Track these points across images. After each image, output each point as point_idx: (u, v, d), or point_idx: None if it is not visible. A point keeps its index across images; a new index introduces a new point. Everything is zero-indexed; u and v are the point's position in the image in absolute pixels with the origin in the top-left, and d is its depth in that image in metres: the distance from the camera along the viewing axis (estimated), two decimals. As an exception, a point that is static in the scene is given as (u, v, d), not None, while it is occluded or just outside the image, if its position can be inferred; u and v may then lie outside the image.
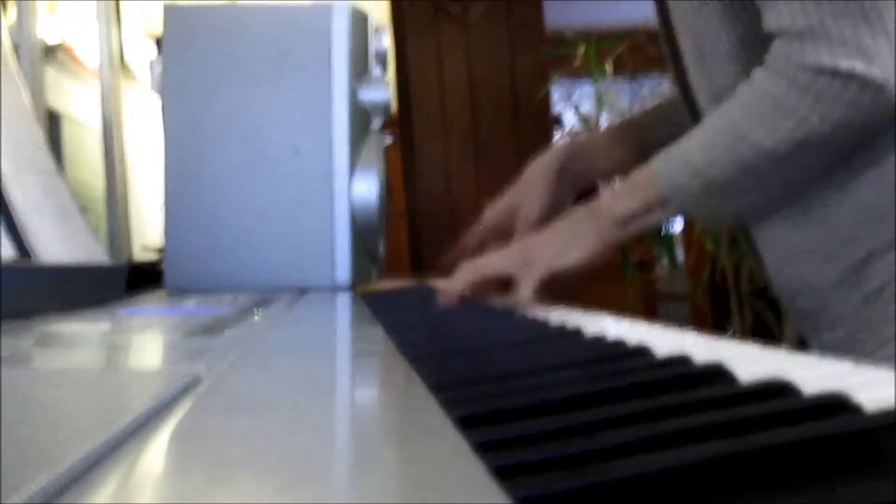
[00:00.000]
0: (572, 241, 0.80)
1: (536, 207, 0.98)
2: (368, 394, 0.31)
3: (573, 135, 1.04)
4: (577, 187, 1.12)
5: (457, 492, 0.16)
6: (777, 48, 0.70)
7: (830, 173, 0.74)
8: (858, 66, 0.66)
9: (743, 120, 0.73)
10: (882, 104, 0.67)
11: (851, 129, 0.69)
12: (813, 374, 0.34)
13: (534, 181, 0.99)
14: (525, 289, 0.78)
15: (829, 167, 0.73)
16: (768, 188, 0.75)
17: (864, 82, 0.66)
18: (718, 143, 0.74)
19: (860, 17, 0.66)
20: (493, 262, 0.83)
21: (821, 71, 0.67)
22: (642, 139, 1.00)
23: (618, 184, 0.84)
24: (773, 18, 0.70)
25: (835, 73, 0.67)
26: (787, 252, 0.79)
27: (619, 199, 0.80)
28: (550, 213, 0.96)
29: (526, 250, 0.82)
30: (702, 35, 0.79)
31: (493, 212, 1.00)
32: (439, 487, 0.16)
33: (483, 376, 0.37)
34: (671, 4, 0.83)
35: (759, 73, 0.72)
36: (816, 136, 0.69)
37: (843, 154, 0.72)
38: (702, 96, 0.83)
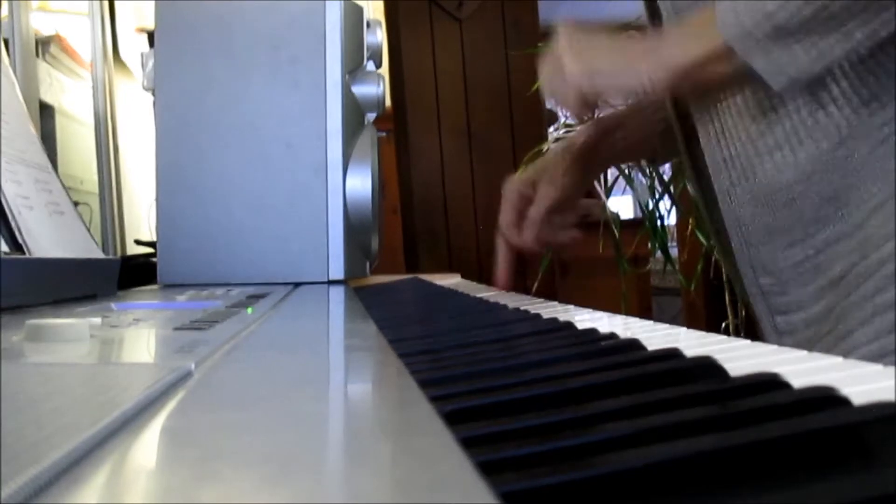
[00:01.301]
0: (621, 71, 0.74)
1: (561, 175, 0.94)
2: (357, 388, 0.31)
3: (599, 114, 0.99)
4: (603, 169, 1.10)
5: (441, 487, 0.16)
6: None
7: (798, 154, 0.70)
8: None
9: None
10: None
11: None
12: (803, 368, 0.34)
13: (559, 155, 0.96)
14: (570, 103, 0.74)
15: None
16: (850, 35, 0.64)
17: None
18: None
19: None
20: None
21: None
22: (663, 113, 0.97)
23: (669, 28, 0.76)
24: None
25: None
26: (755, 230, 0.75)
27: (676, 43, 0.72)
28: (571, 196, 0.93)
29: (564, 63, 0.75)
30: None
31: (509, 195, 0.95)
32: (424, 482, 0.16)
33: (473, 371, 0.37)
34: None
35: None
36: None
37: None
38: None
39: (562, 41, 0.77)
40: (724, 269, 0.98)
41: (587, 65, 0.74)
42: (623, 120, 0.98)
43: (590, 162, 0.96)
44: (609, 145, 0.97)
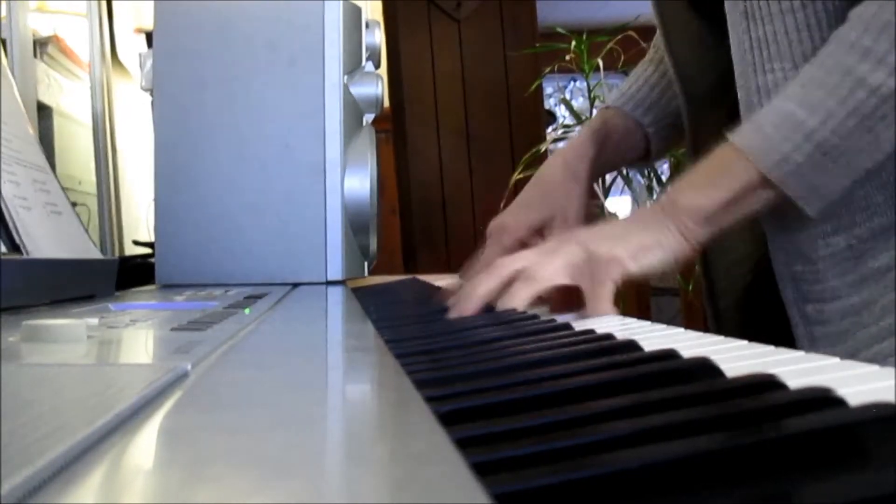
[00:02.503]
0: (652, 241, 0.65)
1: (575, 213, 0.87)
2: (353, 389, 0.31)
3: (594, 124, 0.91)
4: (599, 177, 1.04)
5: (435, 488, 0.16)
6: None
7: None
8: None
9: (857, 60, 0.60)
10: None
11: None
12: (799, 368, 0.34)
13: (567, 186, 0.90)
14: (604, 298, 0.62)
15: None
16: (883, 144, 0.62)
17: None
18: (827, 94, 0.61)
19: None
20: (547, 268, 0.64)
21: None
22: (655, 115, 0.95)
23: (691, 171, 0.69)
24: None
25: None
26: (794, 216, 0.69)
27: (699, 189, 0.66)
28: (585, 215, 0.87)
29: (591, 249, 0.65)
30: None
31: (513, 231, 0.87)
32: (418, 483, 0.16)
33: (470, 372, 0.37)
34: None
35: (868, 6, 0.61)
36: None
37: None
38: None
39: (580, 236, 0.67)
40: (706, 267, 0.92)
41: (624, 247, 0.65)
42: (611, 129, 0.95)
43: (591, 184, 0.93)
44: (605, 159, 0.95)
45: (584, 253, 0.64)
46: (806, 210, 0.64)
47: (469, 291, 0.65)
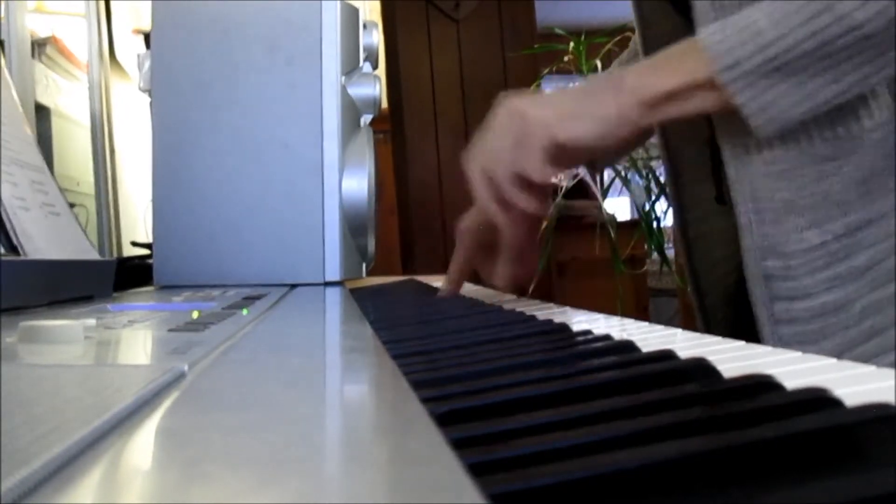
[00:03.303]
0: (587, 111, 0.65)
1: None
2: (350, 390, 0.31)
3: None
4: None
5: (430, 488, 0.16)
6: None
7: (838, 128, 0.65)
8: None
9: None
10: None
11: None
12: (796, 369, 0.34)
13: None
14: (533, 161, 0.64)
15: None
16: (842, 78, 0.61)
17: None
18: (794, 11, 0.60)
19: None
20: (484, 153, 0.68)
21: None
22: None
23: (649, 58, 0.68)
24: None
25: None
26: (771, 206, 0.69)
27: (650, 72, 0.65)
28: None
29: (521, 109, 0.66)
30: None
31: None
32: (413, 484, 0.16)
33: (467, 372, 0.37)
34: None
35: None
36: None
37: None
38: None
39: (513, 100, 0.68)
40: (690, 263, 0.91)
41: (555, 109, 0.65)
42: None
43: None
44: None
45: (513, 117, 0.66)
46: (752, 126, 0.63)
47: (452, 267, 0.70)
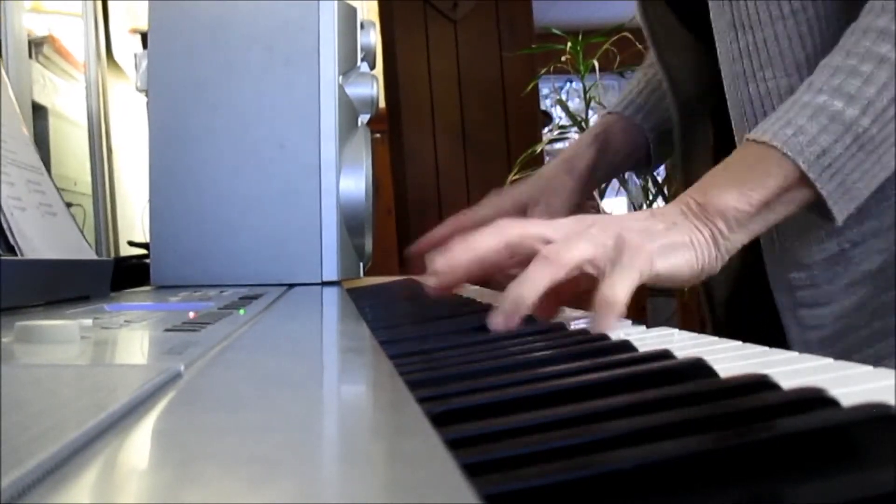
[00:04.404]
0: (682, 242, 0.57)
1: (561, 204, 0.85)
2: (346, 390, 0.31)
3: (595, 129, 0.87)
4: (597, 186, 1.02)
5: (424, 489, 0.16)
6: None
7: None
8: None
9: (890, 48, 0.56)
10: None
11: None
12: (792, 369, 0.34)
13: (561, 178, 0.89)
14: (621, 285, 0.52)
15: None
16: None
17: None
18: (864, 82, 0.56)
19: None
20: (572, 251, 0.53)
21: None
22: (656, 120, 0.94)
23: (714, 171, 0.61)
24: None
25: None
26: (788, 231, 0.69)
27: (731, 189, 0.58)
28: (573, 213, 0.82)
29: (621, 234, 0.54)
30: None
31: (495, 203, 0.86)
32: (407, 484, 0.16)
33: (464, 372, 0.37)
34: None
35: None
36: None
37: None
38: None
39: (585, 219, 0.57)
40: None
41: (652, 240, 0.55)
42: (612, 134, 0.95)
43: (588, 185, 0.92)
44: (606, 163, 0.94)
45: (612, 240, 0.54)
46: (834, 213, 0.59)
47: (466, 246, 0.57)
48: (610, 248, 0.54)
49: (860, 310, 0.69)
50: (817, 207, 0.60)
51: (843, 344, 0.70)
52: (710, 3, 0.71)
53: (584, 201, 0.92)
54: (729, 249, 0.58)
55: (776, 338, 0.72)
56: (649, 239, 0.55)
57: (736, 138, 0.71)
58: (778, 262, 0.71)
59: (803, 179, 0.57)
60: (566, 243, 0.54)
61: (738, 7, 0.68)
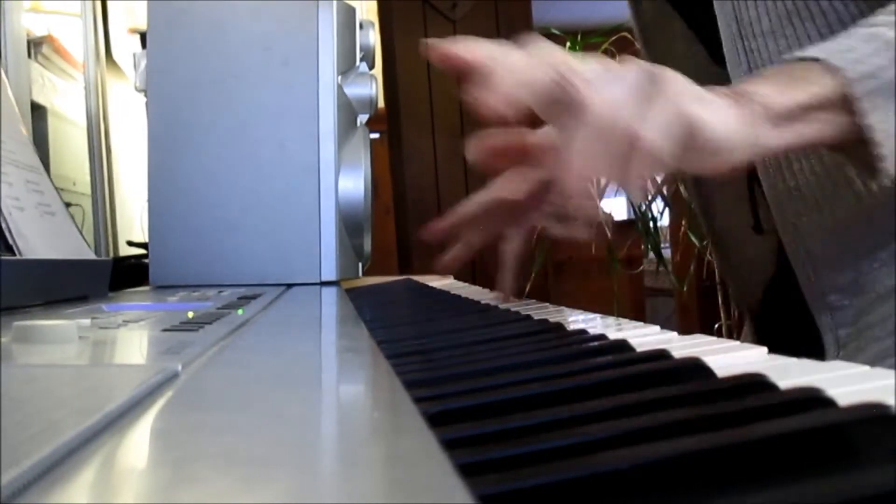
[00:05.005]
0: (726, 106, 0.51)
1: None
2: (343, 390, 0.31)
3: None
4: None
5: (420, 489, 0.16)
6: None
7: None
8: None
9: None
10: None
11: None
12: (789, 369, 0.34)
13: None
14: (653, 126, 0.47)
15: None
16: None
17: None
18: None
19: None
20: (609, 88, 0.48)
21: None
22: None
23: (754, 78, 0.56)
24: None
25: None
26: (825, 261, 0.70)
27: (774, 87, 0.52)
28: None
29: (657, 72, 0.50)
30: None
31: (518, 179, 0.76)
32: (403, 484, 0.16)
33: (461, 372, 0.37)
34: None
35: None
36: None
37: None
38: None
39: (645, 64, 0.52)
40: (717, 272, 0.94)
41: (693, 89, 0.51)
42: None
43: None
44: None
45: (648, 77, 0.49)
46: (879, 157, 0.53)
47: (504, 73, 0.52)
48: (647, 82, 0.49)
49: (883, 322, 0.69)
50: (858, 151, 0.54)
51: (863, 356, 0.70)
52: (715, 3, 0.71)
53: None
54: (767, 144, 0.52)
55: (812, 344, 0.73)
56: (692, 87, 0.51)
57: None
58: (818, 292, 0.72)
59: (846, 101, 0.52)
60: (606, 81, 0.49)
61: (739, 7, 0.68)
